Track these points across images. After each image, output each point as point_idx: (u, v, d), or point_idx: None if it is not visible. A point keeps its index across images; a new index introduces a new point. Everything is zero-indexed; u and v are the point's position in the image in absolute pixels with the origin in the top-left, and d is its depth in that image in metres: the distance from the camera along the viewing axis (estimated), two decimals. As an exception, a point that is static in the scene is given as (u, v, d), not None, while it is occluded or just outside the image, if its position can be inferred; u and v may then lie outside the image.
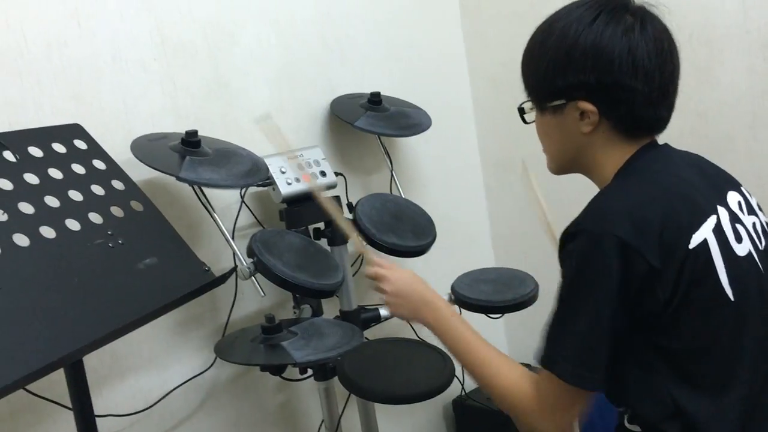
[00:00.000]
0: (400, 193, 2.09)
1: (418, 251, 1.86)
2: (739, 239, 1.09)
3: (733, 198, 1.15)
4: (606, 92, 1.08)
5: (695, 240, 1.03)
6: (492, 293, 1.88)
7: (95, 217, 1.23)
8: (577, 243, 1.04)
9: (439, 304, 1.24)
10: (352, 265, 1.95)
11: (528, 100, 1.19)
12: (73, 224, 1.19)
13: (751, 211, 1.17)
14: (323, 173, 1.85)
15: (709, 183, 1.15)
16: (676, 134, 1.19)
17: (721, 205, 1.11)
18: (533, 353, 1.11)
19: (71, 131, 1.37)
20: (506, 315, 2.00)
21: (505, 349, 2.62)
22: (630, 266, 1.00)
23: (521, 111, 1.21)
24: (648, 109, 1.10)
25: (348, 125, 1.95)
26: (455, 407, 2.35)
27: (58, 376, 1.18)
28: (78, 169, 1.29)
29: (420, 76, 2.30)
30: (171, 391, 1.69)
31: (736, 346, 1.06)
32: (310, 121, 2.00)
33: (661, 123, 1.14)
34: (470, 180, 2.51)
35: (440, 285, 2.00)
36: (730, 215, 1.11)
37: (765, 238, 1.17)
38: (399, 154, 2.24)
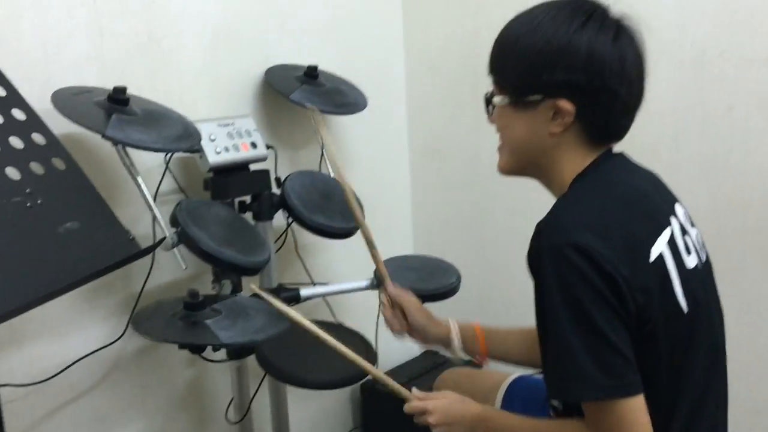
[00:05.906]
0: (329, 172, 2.03)
1: (346, 233, 1.82)
2: (688, 251, 1.12)
3: (679, 210, 1.17)
4: (591, 94, 1.08)
5: (653, 253, 1.04)
6: (416, 281, 1.86)
7: (13, 173, 1.11)
8: (543, 262, 1.01)
9: (486, 414, 1.22)
10: (275, 242, 1.88)
11: (493, 91, 1.17)
12: (-13, 178, 1.07)
13: (692, 224, 1.20)
14: (254, 144, 1.77)
15: (661, 195, 1.17)
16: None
17: (674, 217, 1.13)
18: (548, 393, 1.06)
19: (-12, 75, 1.23)
20: (426, 304, 1.99)
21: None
22: (601, 270, 0.98)
23: (488, 101, 1.18)
24: (622, 116, 1.12)
25: (282, 97, 1.87)
26: (362, 391, 2.33)
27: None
28: (-6, 117, 1.17)
29: (358, 55, 2.24)
30: (74, 362, 1.58)
31: (686, 359, 1.08)
32: (243, 89, 1.91)
33: (625, 131, 1.16)
34: (397, 165, 2.48)
35: (362, 269, 1.98)
36: (680, 227, 1.13)
37: (704, 251, 1.20)
38: (329, 131, 2.18)
